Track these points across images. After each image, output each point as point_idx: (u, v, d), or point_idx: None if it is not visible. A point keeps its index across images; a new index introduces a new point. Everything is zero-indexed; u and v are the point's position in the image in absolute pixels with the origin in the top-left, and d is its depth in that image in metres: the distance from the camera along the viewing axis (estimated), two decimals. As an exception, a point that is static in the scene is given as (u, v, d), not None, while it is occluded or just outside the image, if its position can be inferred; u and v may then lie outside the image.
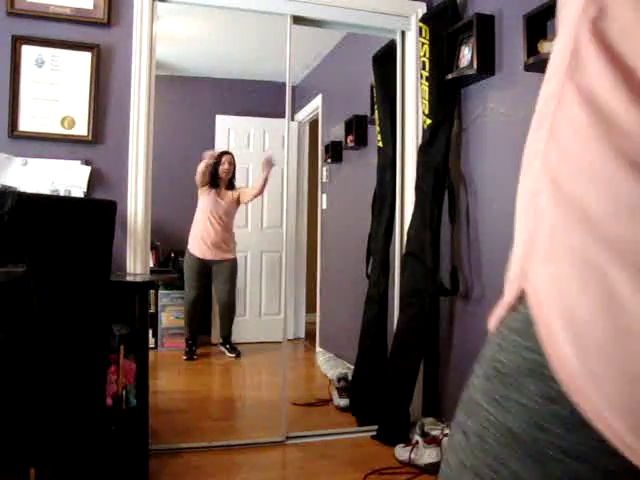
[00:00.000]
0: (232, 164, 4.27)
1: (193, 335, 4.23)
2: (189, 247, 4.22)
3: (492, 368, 0.48)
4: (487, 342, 0.52)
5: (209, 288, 4.32)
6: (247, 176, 4.63)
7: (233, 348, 4.29)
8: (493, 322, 0.51)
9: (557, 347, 0.42)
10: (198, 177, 4.15)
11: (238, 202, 4.32)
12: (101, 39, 2.47)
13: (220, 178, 4.23)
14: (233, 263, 4.30)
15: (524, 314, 0.46)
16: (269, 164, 4.21)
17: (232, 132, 4.65)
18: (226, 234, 4.26)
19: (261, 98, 4.53)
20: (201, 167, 4.09)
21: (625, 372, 0.38)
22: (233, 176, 4.30)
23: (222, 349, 4.32)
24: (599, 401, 0.39)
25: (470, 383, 0.52)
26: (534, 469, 0.44)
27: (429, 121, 2.66)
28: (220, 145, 4.58)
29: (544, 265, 0.45)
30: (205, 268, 4.23)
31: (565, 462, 0.42)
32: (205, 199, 4.22)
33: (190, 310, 4.23)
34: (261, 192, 4.28)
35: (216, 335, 4.49)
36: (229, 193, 4.27)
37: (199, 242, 4.20)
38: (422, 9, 2.84)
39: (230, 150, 4.55)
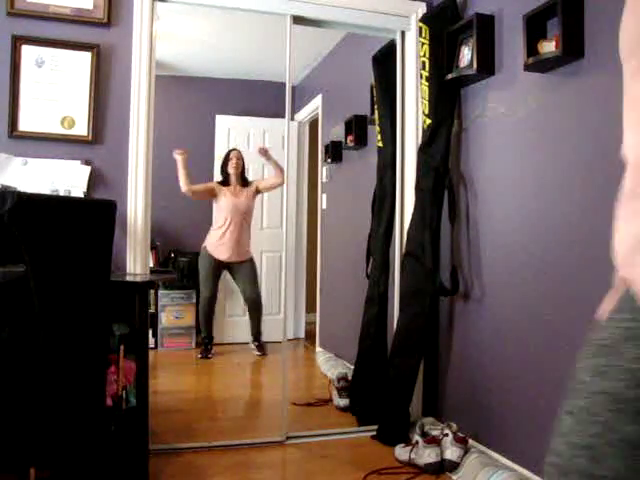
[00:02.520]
0: (240, 159, 4.25)
1: (209, 334, 4.25)
2: (207, 248, 4.20)
3: (597, 346, 0.53)
4: (595, 329, 0.56)
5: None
6: (247, 176, 4.62)
7: (261, 347, 4.28)
8: (603, 310, 0.56)
9: None
10: (202, 196, 4.12)
11: (255, 195, 4.28)
12: (101, 39, 2.47)
13: (230, 175, 4.22)
14: (253, 262, 4.29)
15: (627, 295, 0.51)
16: (264, 153, 4.16)
17: (232, 132, 4.65)
18: (246, 233, 4.25)
19: (261, 98, 4.53)
20: (181, 173, 3.99)
21: None
22: (243, 171, 4.28)
23: (252, 347, 4.31)
24: None
25: (577, 369, 0.56)
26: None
27: (429, 121, 2.66)
28: (220, 145, 4.58)
29: None
30: (222, 269, 4.24)
31: None
32: (222, 199, 4.20)
33: (206, 309, 4.23)
34: (282, 179, 4.14)
35: (218, 335, 4.48)
36: (245, 190, 4.24)
37: (219, 243, 4.18)
38: (422, 9, 2.84)
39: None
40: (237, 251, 4.21)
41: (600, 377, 0.51)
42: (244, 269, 4.25)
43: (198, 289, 4.36)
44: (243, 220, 4.23)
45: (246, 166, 4.47)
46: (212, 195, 4.22)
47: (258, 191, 4.30)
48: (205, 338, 4.23)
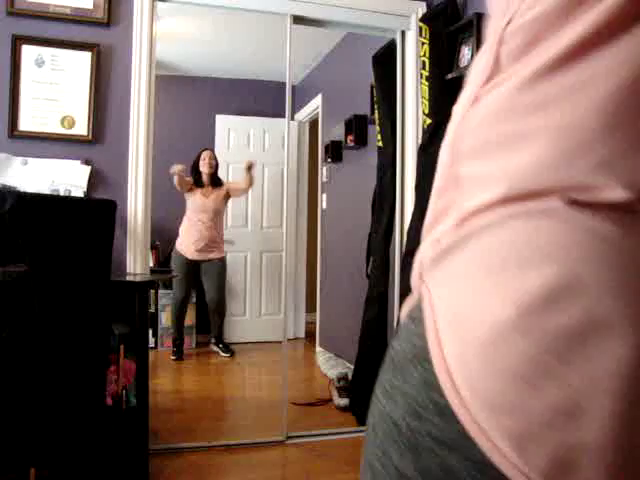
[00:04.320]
0: (213, 159, 4.23)
1: (180, 335, 4.23)
2: (177, 248, 4.20)
3: (389, 357, 0.47)
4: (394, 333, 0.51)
5: (202, 288, 4.31)
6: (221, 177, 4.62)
7: (227, 347, 4.28)
8: (402, 313, 0.50)
9: (436, 334, 0.41)
10: (178, 186, 4.08)
11: (227, 197, 4.29)
12: (101, 39, 2.47)
13: (201, 174, 4.18)
14: (222, 262, 4.27)
15: (419, 306, 0.45)
16: (251, 167, 4.25)
17: (232, 132, 4.65)
18: (215, 233, 4.23)
19: (261, 98, 4.53)
20: (176, 180, 4.03)
21: (497, 371, 0.37)
22: (216, 172, 4.25)
23: (215, 349, 4.31)
24: (467, 393, 0.38)
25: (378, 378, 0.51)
26: (410, 460, 0.42)
27: (429, 121, 2.66)
28: (220, 145, 4.58)
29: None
30: (194, 268, 4.21)
31: (436, 452, 0.40)
32: (192, 200, 4.19)
33: (178, 310, 4.22)
34: (248, 187, 4.31)
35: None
36: (215, 191, 4.21)
37: (189, 243, 4.17)
38: (422, 9, 2.84)
39: (230, 150, 4.55)
40: (207, 250, 4.18)
41: (386, 398, 0.46)
42: (212, 269, 4.22)
43: (198, 289, 4.36)
44: (211, 220, 4.19)
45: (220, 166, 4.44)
46: (188, 189, 4.16)
47: (228, 195, 4.30)
48: (176, 339, 4.21)
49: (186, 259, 4.17)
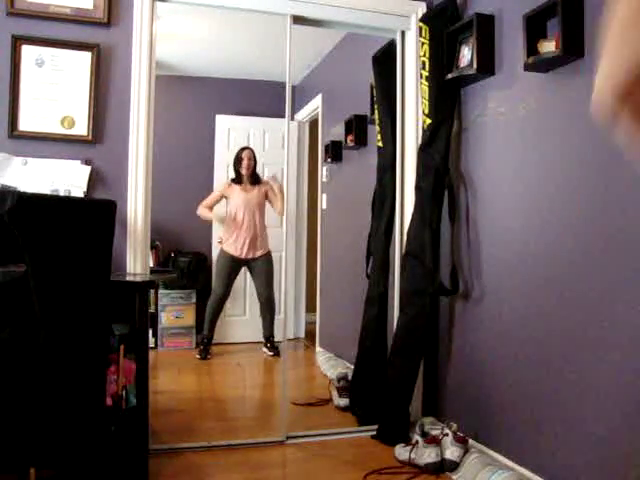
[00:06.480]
0: (252, 159, 4.31)
1: (211, 333, 4.23)
2: (224, 246, 4.26)
3: None
4: None
5: (203, 288, 4.33)
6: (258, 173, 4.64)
7: (273, 346, 4.26)
8: None
9: None
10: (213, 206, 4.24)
11: (266, 196, 4.34)
12: (101, 39, 2.47)
13: (242, 175, 4.29)
14: (268, 258, 4.29)
15: None
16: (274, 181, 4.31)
17: (232, 132, 4.65)
18: (259, 229, 4.29)
19: (261, 98, 4.53)
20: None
21: None
22: (255, 170, 4.33)
23: (263, 349, 4.30)
24: None
25: None
26: None
27: (429, 121, 2.66)
28: (220, 145, 4.58)
29: None
30: (238, 267, 4.27)
31: None
32: (233, 197, 4.26)
33: (215, 308, 4.23)
34: (280, 210, 4.30)
35: (218, 335, 4.48)
36: (255, 188, 4.29)
37: (233, 242, 4.23)
38: (422, 9, 2.84)
39: (230, 150, 4.55)
40: (252, 247, 4.24)
41: None
42: (259, 267, 4.27)
43: (198, 289, 4.36)
44: (255, 215, 4.27)
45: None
46: (224, 195, 4.30)
47: (266, 196, 4.36)
48: (205, 338, 4.21)
49: (232, 257, 4.23)
